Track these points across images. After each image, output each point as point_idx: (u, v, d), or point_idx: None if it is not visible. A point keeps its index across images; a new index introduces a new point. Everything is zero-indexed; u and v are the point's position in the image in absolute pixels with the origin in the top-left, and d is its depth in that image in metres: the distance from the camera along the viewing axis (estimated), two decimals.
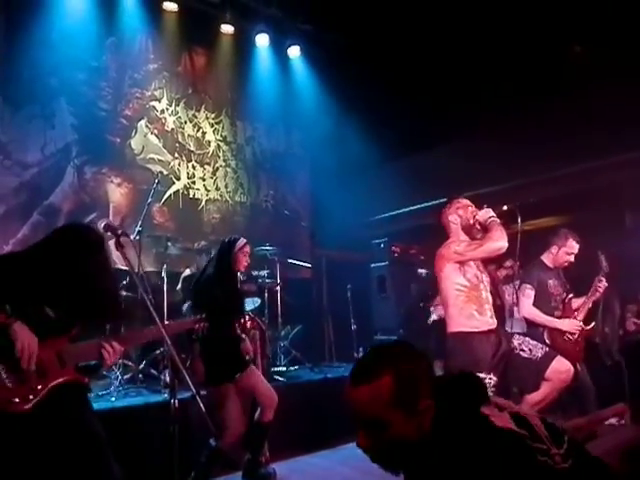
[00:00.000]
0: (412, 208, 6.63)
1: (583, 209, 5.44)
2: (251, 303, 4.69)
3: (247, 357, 3.39)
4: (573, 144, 5.09)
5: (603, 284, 3.60)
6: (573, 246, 3.61)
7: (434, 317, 5.46)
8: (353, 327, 5.96)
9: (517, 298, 3.47)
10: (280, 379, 4.44)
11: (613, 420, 4.20)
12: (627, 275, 4.59)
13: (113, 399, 3.79)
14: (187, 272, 5.28)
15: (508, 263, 5.75)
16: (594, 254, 4.72)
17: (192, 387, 1.72)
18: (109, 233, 1.81)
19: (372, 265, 6.06)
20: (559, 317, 3.50)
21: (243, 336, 3.60)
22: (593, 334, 4.38)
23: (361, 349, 5.65)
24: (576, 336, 3.46)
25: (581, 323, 3.49)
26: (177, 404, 2.33)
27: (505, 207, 3.15)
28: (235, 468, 3.41)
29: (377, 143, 6.45)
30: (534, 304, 3.50)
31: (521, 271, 5.43)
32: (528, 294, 3.47)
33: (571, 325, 3.44)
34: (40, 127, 5.25)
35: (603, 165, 5.00)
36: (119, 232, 1.81)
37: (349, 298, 6.18)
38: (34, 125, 5.22)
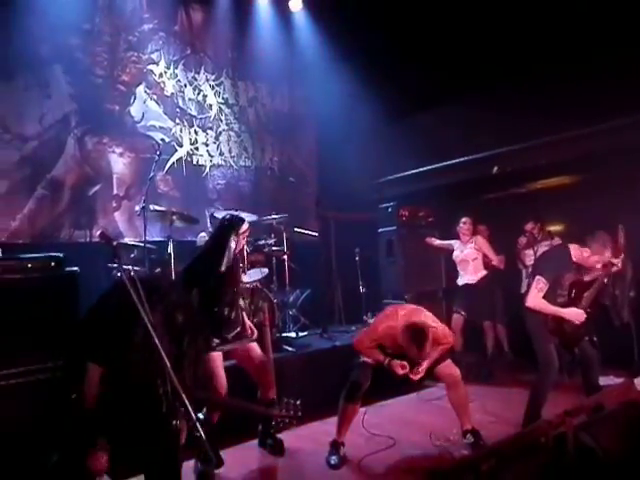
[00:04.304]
0: (421, 169, 6.46)
1: (595, 170, 5.26)
2: (259, 273, 4.68)
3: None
4: (587, 105, 4.84)
5: (617, 266, 3.42)
6: (608, 257, 3.37)
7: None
8: (362, 290, 5.98)
9: (528, 286, 3.33)
10: (289, 349, 4.51)
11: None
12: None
13: None
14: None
15: (529, 226, 5.58)
16: (607, 214, 4.58)
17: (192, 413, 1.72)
18: (104, 242, 1.76)
19: (380, 230, 5.98)
20: (564, 304, 3.37)
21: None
22: (603, 296, 4.32)
23: (369, 313, 5.69)
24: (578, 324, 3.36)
25: (583, 312, 3.35)
26: None
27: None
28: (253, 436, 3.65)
29: (386, 102, 6.18)
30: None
31: (540, 244, 5.21)
32: (541, 288, 3.29)
33: (577, 315, 3.33)
34: (36, 97, 5.10)
35: (617, 126, 4.78)
36: (114, 243, 1.76)
37: (357, 262, 6.16)
38: (29, 95, 5.07)
